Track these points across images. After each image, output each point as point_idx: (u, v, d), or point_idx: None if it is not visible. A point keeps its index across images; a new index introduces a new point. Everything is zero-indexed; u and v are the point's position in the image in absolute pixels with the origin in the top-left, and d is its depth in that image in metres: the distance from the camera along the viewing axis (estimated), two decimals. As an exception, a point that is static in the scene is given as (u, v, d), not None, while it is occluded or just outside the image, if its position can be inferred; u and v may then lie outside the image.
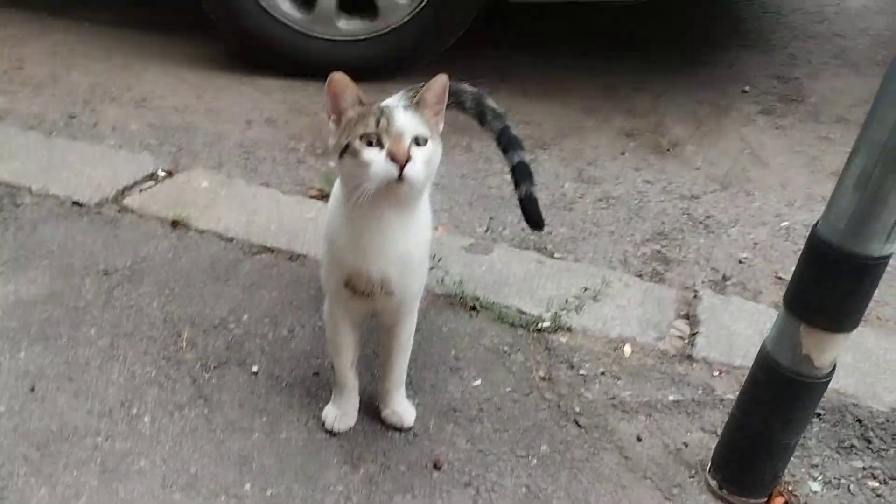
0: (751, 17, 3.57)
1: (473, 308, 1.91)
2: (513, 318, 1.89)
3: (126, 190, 2.27)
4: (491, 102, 1.74)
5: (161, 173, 2.38)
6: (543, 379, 1.75)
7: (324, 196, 2.33)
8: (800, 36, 3.38)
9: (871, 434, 1.64)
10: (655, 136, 2.74)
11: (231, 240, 2.09)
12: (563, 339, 1.86)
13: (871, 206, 1.20)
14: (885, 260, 1.24)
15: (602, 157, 2.64)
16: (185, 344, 1.75)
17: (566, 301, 1.96)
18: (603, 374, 1.77)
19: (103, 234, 2.07)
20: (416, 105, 1.31)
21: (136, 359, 1.70)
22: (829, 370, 1.36)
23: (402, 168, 1.23)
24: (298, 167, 2.49)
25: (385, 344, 1.55)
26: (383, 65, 2.89)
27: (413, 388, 1.67)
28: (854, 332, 1.32)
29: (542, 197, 2.40)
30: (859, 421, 1.67)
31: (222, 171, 2.44)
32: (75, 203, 2.19)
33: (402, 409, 1.60)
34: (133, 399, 1.61)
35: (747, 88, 3.02)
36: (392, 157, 1.23)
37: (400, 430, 1.59)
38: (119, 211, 2.18)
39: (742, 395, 1.46)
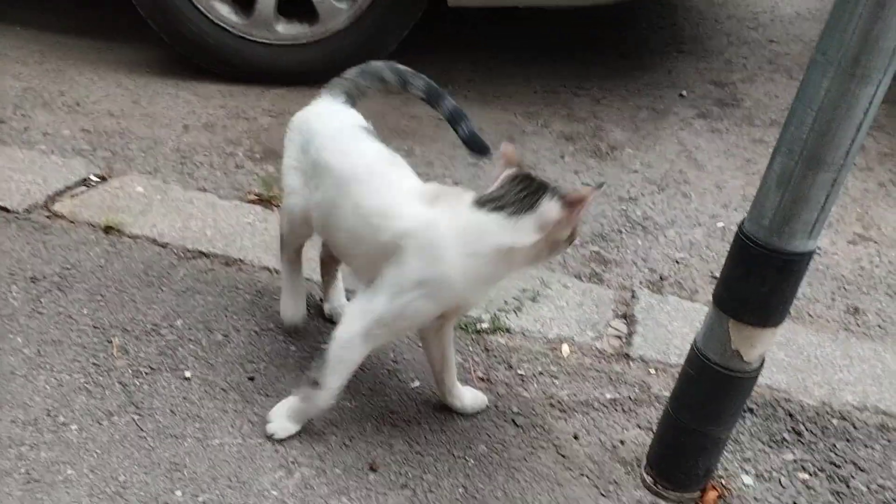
0: (688, 24, 3.64)
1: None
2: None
3: (57, 195, 2.21)
4: (405, 67, 1.72)
5: (94, 179, 2.32)
6: (482, 380, 1.75)
7: (262, 200, 2.30)
8: (735, 42, 3.45)
9: (802, 427, 1.68)
10: (595, 140, 2.77)
11: (165, 245, 2.05)
12: (501, 340, 1.86)
13: (793, 203, 1.22)
14: (808, 255, 1.27)
15: (542, 160, 2.65)
16: (115, 351, 1.71)
17: (505, 302, 1.96)
18: (541, 373, 1.78)
19: (32, 241, 2.02)
20: None
21: (63, 366, 1.66)
22: (758, 364, 1.39)
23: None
24: (236, 172, 2.46)
25: (438, 345, 1.59)
26: (323, 69, 2.83)
27: (350, 392, 1.66)
28: (785, 328, 1.35)
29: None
30: (790, 415, 1.70)
31: (158, 176, 2.40)
32: (2, 209, 2.13)
33: (471, 392, 1.67)
34: (60, 407, 1.56)
35: (684, 93, 3.08)
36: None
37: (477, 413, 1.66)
38: (49, 217, 2.12)
39: (675, 391, 1.48)
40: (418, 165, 2.57)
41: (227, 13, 2.87)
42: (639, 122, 2.88)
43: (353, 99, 1.67)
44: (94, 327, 1.77)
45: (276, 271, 1.98)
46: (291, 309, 1.78)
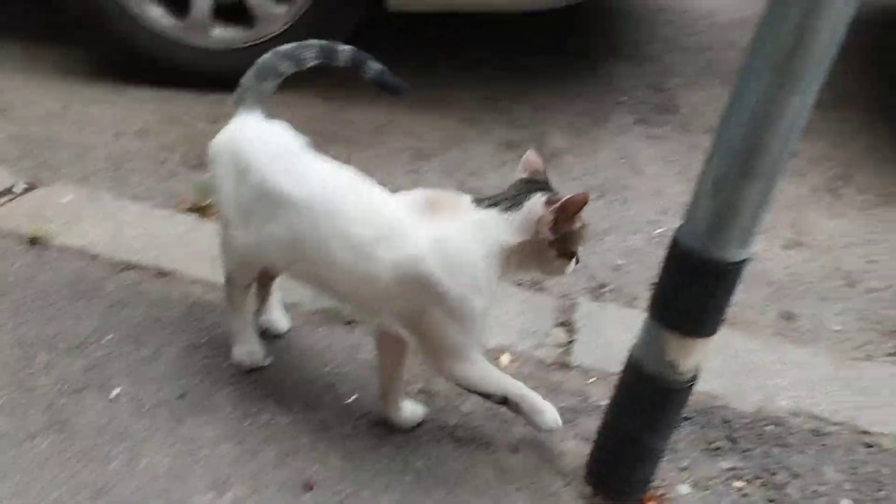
0: (627, 30, 3.67)
1: (350, 322, 1.87)
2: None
3: (-21, 205, 2.13)
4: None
5: (20, 187, 2.24)
6: (421, 392, 1.72)
7: (197, 209, 2.25)
8: (673, 48, 3.49)
9: (738, 435, 1.69)
10: (536, 147, 2.77)
11: (95, 257, 1.99)
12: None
13: (727, 212, 1.22)
14: (741, 264, 1.27)
15: (484, 167, 2.64)
16: (39, 368, 1.65)
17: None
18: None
19: (-49, 253, 1.94)
20: None
21: (-17, 386, 1.59)
22: (694, 374, 1.39)
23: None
24: (170, 179, 2.40)
25: (396, 356, 1.57)
26: (261, 74, 2.82)
27: (284, 406, 1.62)
28: (721, 333, 1.35)
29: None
30: (726, 422, 1.72)
31: (88, 184, 2.32)
32: (-80, 220, 2.04)
33: (411, 406, 1.64)
34: (-22, 430, 1.50)
35: (623, 99, 3.09)
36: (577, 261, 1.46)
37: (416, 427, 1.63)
38: (-30, 228, 2.04)
39: (612, 401, 1.47)
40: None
41: (159, 16, 2.79)
42: (579, 128, 2.89)
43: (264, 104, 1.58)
44: (18, 344, 1.70)
45: (210, 283, 1.93)
46: (249, 352, 1.71)
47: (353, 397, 1.68)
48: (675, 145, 2.81)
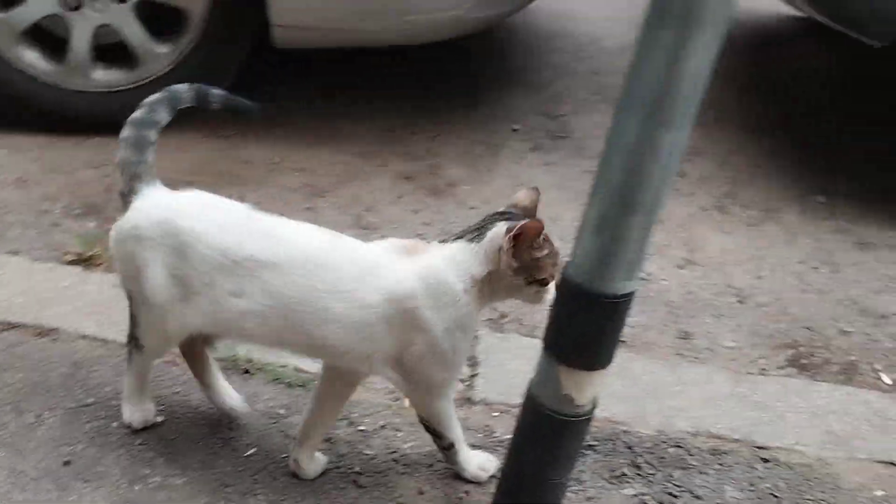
0: (518, 57, 3.72)
1: (247, 371, 1.82)
2: (290, 378, 1.82)
3: None
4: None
5: None
6: (323, 440, 1.68)
7: (82, 260, 2.15)
8: (564, 74, 3.56)
9: (641, 460, 1.70)
10: (433, 178, 2.77)
11: (-31, 318, 1.88)
12: (342, 394, 1.80)
13: (611, 247, 1.23)
14: (628, 297, 1.28)
15: (380, 201, 2.62)
16: None
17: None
18: (384, 427, 1.73)
19: None
20: None
21: None
22: (591, 406, 1.39)
23: None
24: (52, 231, 2.30)
25: (336, 399, 1.58)
26: (147, 116, 2.74)
27: (179, 467, 1.55)
28: (621, 357, 1.37)
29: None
30: (629, 448, 1.73)
31: (-39, 240, 2.20)
32: None
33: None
34: None
35: (517, 127, 3.13)
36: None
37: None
38: None
39: (513, 437, 1.46)
40: (252, 213, 2.49)
41: (35, 60, 2.69)
42: (475, 158, 2.91)
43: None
44: None
45: (98, 338, 1.85)
46: (142, 410, 1.64)
47: (252, 451, 1.63)
48: (569, 171, 2.86)
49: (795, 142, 3.14)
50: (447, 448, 1.58)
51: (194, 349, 1.64)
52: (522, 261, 1.41)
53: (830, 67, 3.74)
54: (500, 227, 1.41)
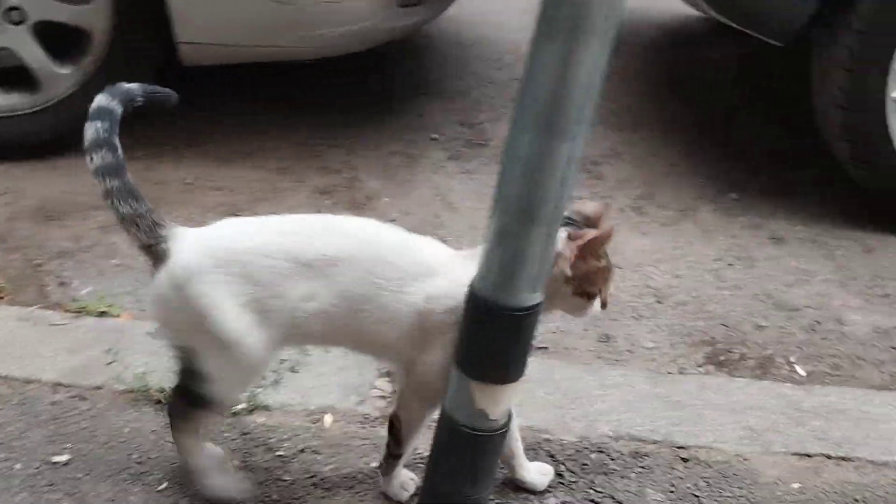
0: (435, 66, 3.72)
1: (160, 402, 1.76)
2: (205, 406, 1.77)
3: None
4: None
5: None
6: (240, 468, 1.64)
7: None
8: (482, 82, 3.56)
9: (563, 468, 1.70)
10: (351, 192, 2.74)
11: None
12: (260, 419, 1.76)
13: (514, 259, 1.23)
14: (534, 309, 1.28)
15: (298, 217, 2.58)
16: None
17: (263, 378, 1.86)
18: (303, 451, 1.69)
19: None
20: None
21: None
22: (506, 419, 1.38)
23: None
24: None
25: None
26: (51, 139, 2.66)
27: (87, 506, 1.49)
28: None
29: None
30: (552, 456, 1.72)
31: None
32: None
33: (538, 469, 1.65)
34: None
35: (436, 136, 3.12)
36: (604, 305, 1.44)
37: None
38: None
39: (430, 457, 1.45)
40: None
41: (-70, 87, 2.58)
42: (393, 170, 2.89)
43: None
44: None
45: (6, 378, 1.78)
46: (232, 483, 1.57)
47: (164, 485, 1.57)
48: (487, 178, 2.86)
49: (709, 142, 3.20)
50: (395, 457, 1.54)
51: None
52: (578, 269, 1.37)
53: (741, 67, 3.83)
54: (562, 233, 1.35)
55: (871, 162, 2.57)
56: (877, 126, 2.51)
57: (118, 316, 2.06)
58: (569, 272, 1.36)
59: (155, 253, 1.39)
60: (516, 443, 1.59)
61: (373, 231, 1.44)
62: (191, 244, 1.39)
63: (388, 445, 1.55)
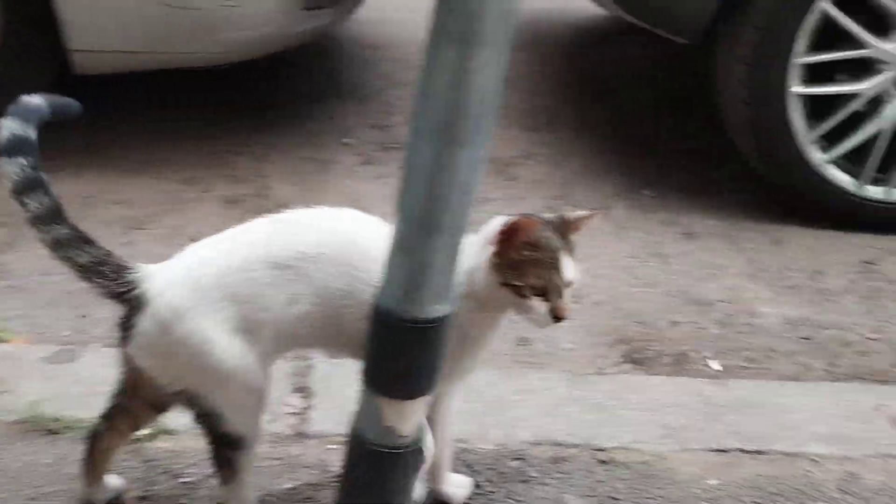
0: (346, 69, 3.66)
1: (52, 431, 1.66)
2: (104, 434, 1.68)
3: None
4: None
5: None
6: (141, 499, 1.56)
7: None
8: (393, 84, 3.52)
9: (481, 478, 1.67)
10: (260, 200, 2.67)
11: None
12: (164, 444, 1.68)
13: (419, 271, 1.19)
14: (442, 320, 1.24)
15: (205, 229, 2.42)
16: None
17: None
18: (211, 476, 1.62)
19: None
20: (570, 240, 1.33)
21: None
22: (418, 435, 1.34)
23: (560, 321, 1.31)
24: None
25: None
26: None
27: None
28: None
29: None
30: (469, 466, 1.69)
31: None
32: None
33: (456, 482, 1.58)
34: None
35: (347, 140, 3.07)
36: (555, 315, 1.30)
37: None
38: None
39: (342, 477, 1.40)
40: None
41: None
42: (304, 176, 2.83)
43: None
44: None
45: None
46: None
47: None
48: (401, 183, 2.82)
49: (623, 140, 3.22)
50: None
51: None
52: (505, 257, 1.30)
53: (652, 66, 3.87)
54: (499, 219, 1.31)
55: (774, 156, 2.62)
56: (778, 121, 2.55)
57: (8, 341, 1.95)
58: (495, 260, 1.31)
59: (129, 300, 1.31)
60: (445, 454, 1.55)
61: (350, 222, 1.40)
62: (170, 281, 1.31)
63: None
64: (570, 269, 1.32)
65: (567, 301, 1.32)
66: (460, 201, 1.15)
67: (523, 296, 1.31)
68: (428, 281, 1.19)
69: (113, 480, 1.52)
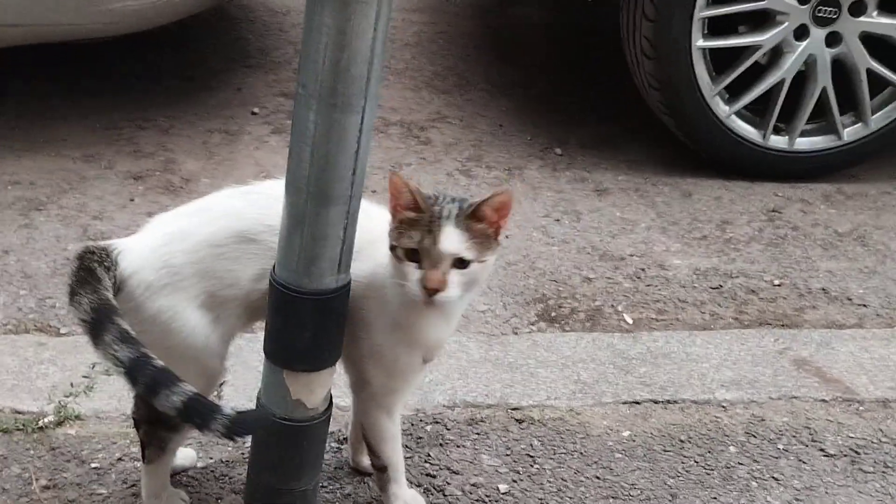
0: (253, 37, 3.55)
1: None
2: (6, 424, 1.63)
3: None
4: None
5: None
6: (46, 488, 1.51)
7: None
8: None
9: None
10: (166, 175, 2.59)
11: None
12: (71, 431, 1.64)
13: (314, 242, 1.17)
14: (343, 290, 1.23)
15: (109, 207, 2.41)
16: None
17: (72, 385, 1.73)
18: (120, 459, 1.59)
19: None
20: (471, 218, 1.22)
21: None
22: (326, 406, 1.33)
23: (432, 294, 1.20)
24: None
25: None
26: None
27: None
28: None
29: (42, 266, 2.15)
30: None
31: None
32: None
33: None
34: None
35: (256, 110, 2.99)
36: (424, 284, 1.20)
37: None
38: None
39: (251, 453, 1.38)
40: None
41: None
42: (212, 148, 2.75)
43: None
44: None
45: None
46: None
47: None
48: (312, 151, 2.77)
49: (532, 100, 3.22)
50: (380, 470, 1.45)
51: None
52: (395, 222, 1.24)
53: (559, 25, 3.87)
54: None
55: (680, 110, 2.66)
56: (683, 75, 2.58)
57: None
58: (389, 223, 1.26)
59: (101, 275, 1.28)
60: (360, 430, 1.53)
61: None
62: (142, 258, 1.29)
63: (370, 456, 1.48)
64: (449, 241, 1.21)
65: (441, 274, 1.20)
66: (351, 169, 1.13)
67: (398, 258, 1.24)
68: (325, 253, 1.18)
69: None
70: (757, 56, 2.63)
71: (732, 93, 2.67)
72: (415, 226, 1.22)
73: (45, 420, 1.64)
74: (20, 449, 1.58)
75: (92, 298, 1.23)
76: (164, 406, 1.19)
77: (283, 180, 1.20)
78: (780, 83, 2.64)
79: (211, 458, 1.60)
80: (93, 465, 1.57)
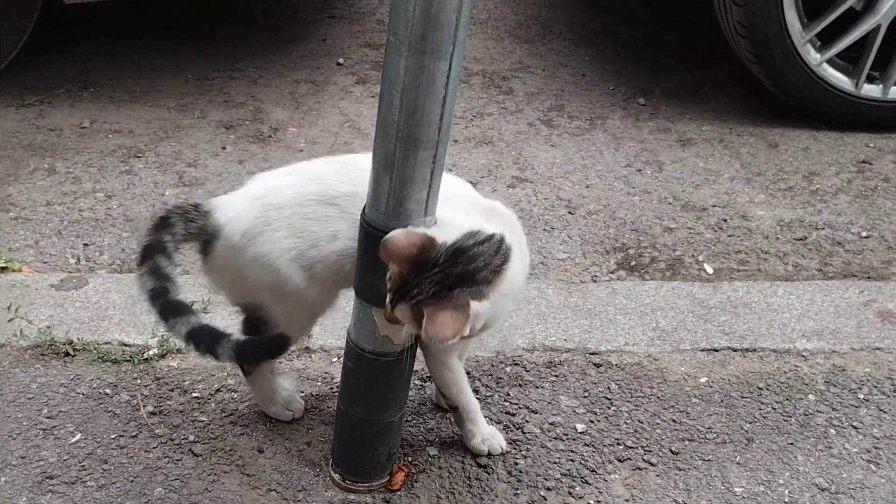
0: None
1: (67, 354, 1.73)
2: (115, 355, 1.75)
3: None
4: None
5: None
6: (153, 414, 1.63)
7: None
8: (386, 2, 3.48)
9: (479, 384, 1.73)
10: (256, 125, 2.68)
11: None
12: (173, 363, 1.75)
13: (402, 185, 1.22)
14: (427, 233, 1.28)
15: (202, 155, 2.52)
16: None
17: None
18: (219, 391, 1.69)
19: None
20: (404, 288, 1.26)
21: None
22: (411, 343, 1.39)
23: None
24: None
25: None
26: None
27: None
28: None
29: (143, 210, 2.27)
30: (468, 374, 1.75)
31: None
32: None
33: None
34: None
35: (342, 61, 3.05)
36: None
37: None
38: None
39: (341, 386, 1.46)
40: (63, 183, 2.35)
41: None
42: (299, 98, 2.82)
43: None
44: None
45: None
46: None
47: (76, 437, 1.56)
48: (396, 101, 2.82)
49: (616, 48, 3.19)
50: (453, 409, 1.55)
51: None
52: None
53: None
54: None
55: (769, 57, 2.60)
56: (773, 21, 2.52)
57: (19, 270, 2.00)
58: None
59: (203, 232, 1.41)
60: None
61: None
62: (240, 210, 1.41)
63: (442, 397, 1.59)
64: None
65: (385, 312, 1.29)
66: (438, 115, 1.17)
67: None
68: (412, 196, 1.23)
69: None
70: (851, 1, 2.54)
71: (824, 40, 2.60)
72: (393, 282, 1.28)
73: (150, 352, 1.75)
74: (128, 378, 1.69)
75: (150, 238, 1.40)
76: (176, 334, 1.37)
77: (370, 154, 1.26)
78: (876, 29, 2.55)
79: (303, 393, 1.69)
80: (194, 395, 1.67)
